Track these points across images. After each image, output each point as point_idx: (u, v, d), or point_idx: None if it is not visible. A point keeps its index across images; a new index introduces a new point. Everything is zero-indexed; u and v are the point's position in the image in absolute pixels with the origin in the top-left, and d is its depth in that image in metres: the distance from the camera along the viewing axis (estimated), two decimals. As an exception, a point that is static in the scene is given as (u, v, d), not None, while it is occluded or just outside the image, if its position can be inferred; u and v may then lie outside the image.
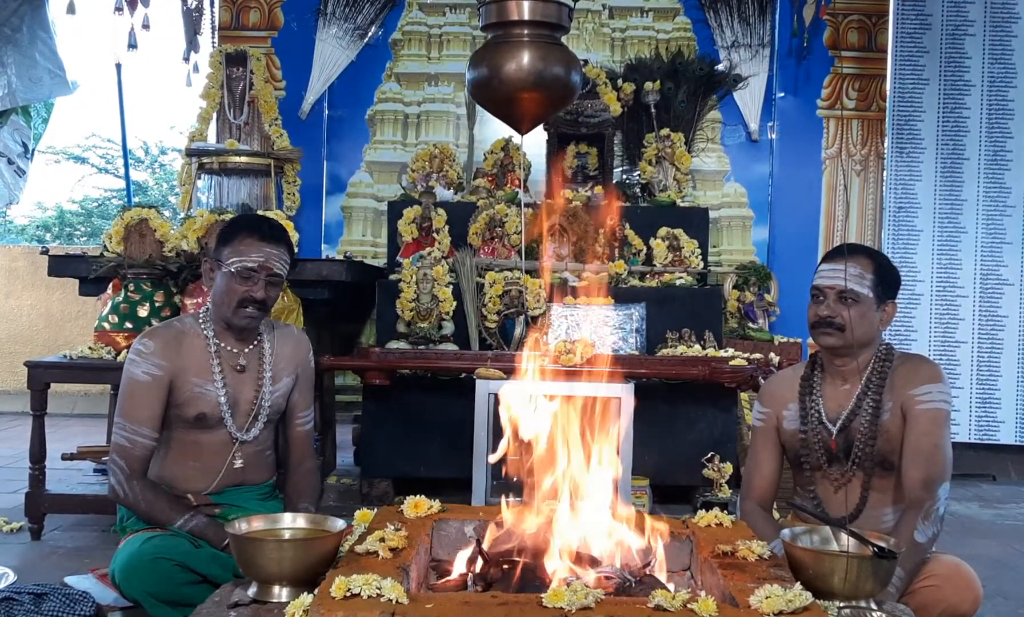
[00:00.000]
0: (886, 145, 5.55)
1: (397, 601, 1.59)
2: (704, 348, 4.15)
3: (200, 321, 2.63)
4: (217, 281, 2.58)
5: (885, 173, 5.57)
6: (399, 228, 4.55)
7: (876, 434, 2.39)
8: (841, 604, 1.79)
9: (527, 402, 2.18)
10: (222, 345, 2.61)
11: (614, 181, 5.04)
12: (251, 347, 2.66)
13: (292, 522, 2.02)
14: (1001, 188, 5.37)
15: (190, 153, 4.99)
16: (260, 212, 4.06)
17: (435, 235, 4.51)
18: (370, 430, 4.25)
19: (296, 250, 4.00)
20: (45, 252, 4.29)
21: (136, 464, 2.49)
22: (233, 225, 2.65)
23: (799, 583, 1.71)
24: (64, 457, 4.10)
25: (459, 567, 2.04)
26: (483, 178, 5.05)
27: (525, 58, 2.41)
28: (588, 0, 6.41)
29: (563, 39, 2.55)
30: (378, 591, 1.60)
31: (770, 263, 6.02)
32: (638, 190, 5.08)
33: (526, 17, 2.42)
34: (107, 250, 4.08)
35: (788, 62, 6.24)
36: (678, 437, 4.08)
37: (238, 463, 2.63)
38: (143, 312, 3.93)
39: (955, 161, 5.40)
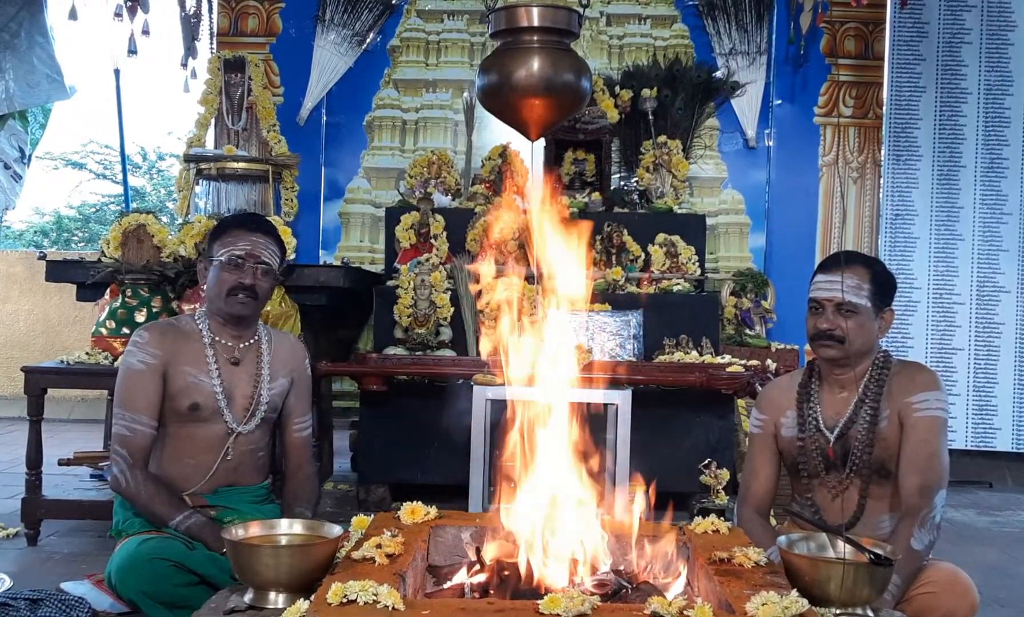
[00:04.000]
0: (883, 152, 5.55)
1: (393, 607, 1.59)
2: (701, 355, 4.15)
3: (196, 319, 2.71)
4: (209, 275, 2.66)
5: (882, 180, 5.57)
6: (397, 234, 4.55)
7: (873, 442, 2.39)
8: (838, 611, 1.79)
9: (524, 407, 2.18)
10: (217, 338, 2.67)
11: (611, 188, 5.05)
12: (247, 343, 2.70)
13: (289, 528, 2.02)
14: (997, 195, 5.38)
15: (188, 159, 4.99)
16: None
17: (433, 241, 4.52)
18: (367, 436, 4.25)
19: (292, 255, 4.01)
20: (43, 257, 4.29)
21: (138, 453, 2.53)
22: (222, 223, 2.76)
23: (795, 590, 1.71)
24: (61, 462, 4.08)
25: (456, 574, 2.04)
26: (481, 184, 5.06)
27: (535, 64, 2.41)
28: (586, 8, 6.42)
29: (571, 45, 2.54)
30: (374, 597, 1.60)
31: (767, 270, 6.02)
32: (635, 197, 5.09)
33: (536, 24, 2.42)
34: (105, 255, 4.08)
35: (785, 69, 6.25)
36: (675, 443, 4.08)
37: (231, 458, 2.65)
38: (140, 317, 3.93)
39: (952, 169, 5.41)
